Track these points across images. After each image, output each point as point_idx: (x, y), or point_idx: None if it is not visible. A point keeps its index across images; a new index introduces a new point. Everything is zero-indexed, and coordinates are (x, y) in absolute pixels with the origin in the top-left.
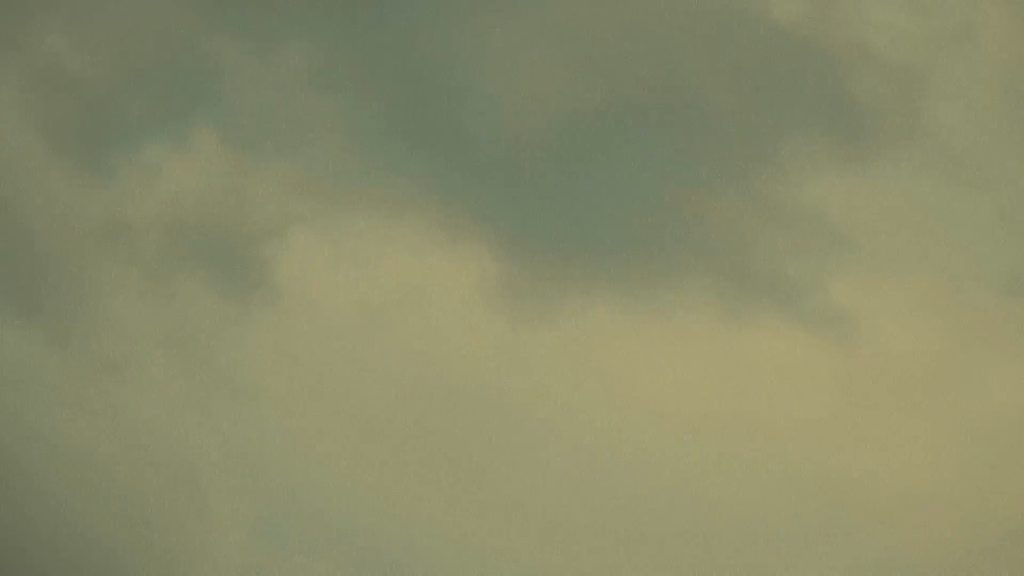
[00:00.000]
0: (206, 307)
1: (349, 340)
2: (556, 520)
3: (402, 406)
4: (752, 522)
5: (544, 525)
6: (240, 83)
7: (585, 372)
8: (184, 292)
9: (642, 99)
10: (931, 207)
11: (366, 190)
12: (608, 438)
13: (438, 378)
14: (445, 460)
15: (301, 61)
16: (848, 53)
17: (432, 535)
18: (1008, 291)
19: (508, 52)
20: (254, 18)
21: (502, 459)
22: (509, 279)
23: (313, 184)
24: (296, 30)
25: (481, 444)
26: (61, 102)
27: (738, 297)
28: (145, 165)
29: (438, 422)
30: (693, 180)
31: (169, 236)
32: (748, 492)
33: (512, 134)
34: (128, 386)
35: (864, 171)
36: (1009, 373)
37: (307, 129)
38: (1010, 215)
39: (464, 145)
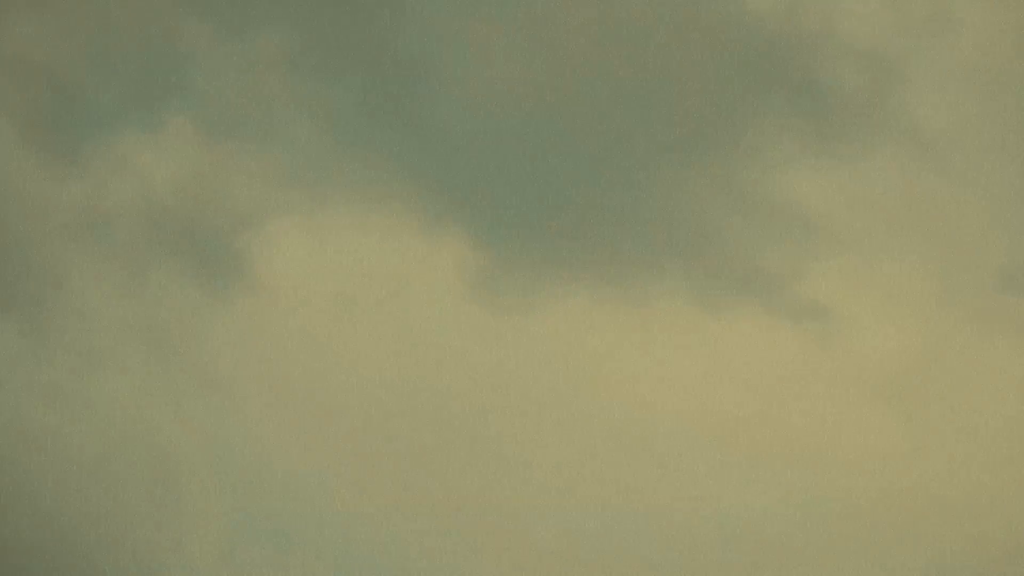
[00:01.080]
0: (182, 297)
1: (327, 329)
2: (532, 509)
3: (380, 395)
4: (725, 511)
5: (521, 514)
6: (213, 70)
7: (563, 360)
8: (159, 282)
9: (616, 87)
10: (906, 197)
11: (342, 178)
12: (586, 426)
13: (416, 366)
14: (424, 450)
15: (275, 47)
16: (821, 41)
17: (410, 527)
18: (997, 288)
19: (482, 40)
20: (226, 3)
21: (481, 448)
22: (486, 268)
23: (289, 172)
24: (269, 15)
25: (460, 433)
26: (32, 91)
27: (714, 287)
28: (118, 154)
29: (416, 411)
30: (667, 169)
31: (144, 226)
32: (722, 481)
33: (486, 122)
34: (103, 377)
35: (839, 161)
36: (998, 371)
37: (282, 116)
38: (989, 207)
39: (439, 133)
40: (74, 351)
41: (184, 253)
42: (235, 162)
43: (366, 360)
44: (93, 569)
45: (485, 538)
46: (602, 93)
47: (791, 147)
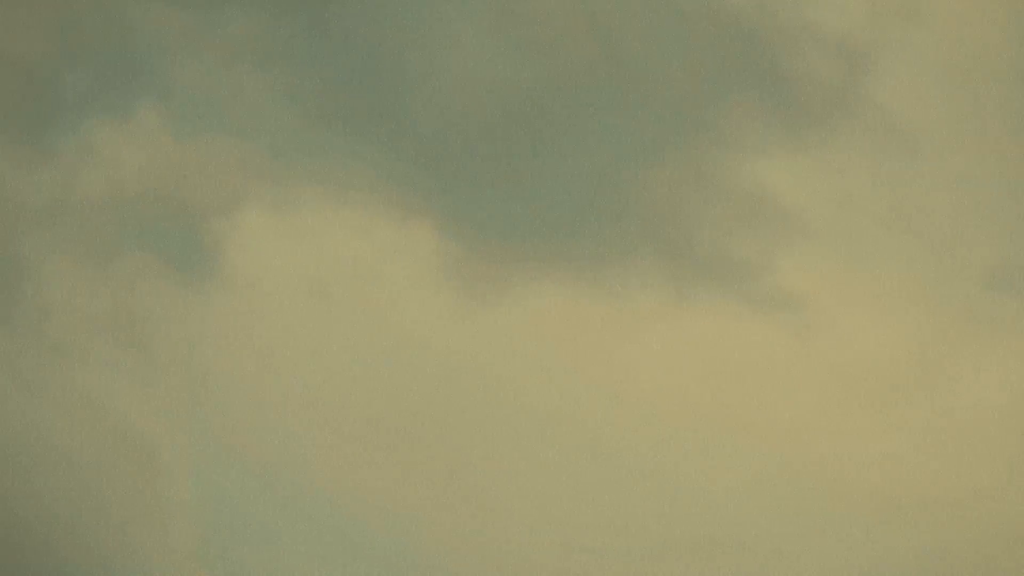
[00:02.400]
0: (153, 289)
1: (300, 320)
2: (505, 496)
3: (355, 386)
4: (700, 500)
5: (493, 501)
6: (182, 57)
7: (537, 350)
8: (130, 273)
9: (587, 79)
10: (880, 189)
11: (315, 168)
12: (560, 416)
13: (390, 357)
14: (399, 439)
15: (244, 34)
16: (793, 31)
17: (387, 511)
18: (975, 283)
19: (456, 31)
20: None
21: (454, 438)
22: (459, 260)
23: (260, 162)
24: (240, 2)
25: (435, 422)
26: None
27: (688, 278)
28: (87, 143)
29: (391, 400)
30: (638, 160)
31: (113, 216)
32: (696, 472)
33: (459, 113)
34: (76, 368)
35: (812, 151)
36: (978, 368)
37: (253, 105)
38: (962, 200)
39: (413, 124)
40: (43, 344)
41: (155, 244)
42: (206, 151)
43: (340, 350)
44: (70, 561)
45: (458, 524)
46: (575, 85)
47: (764, 137)
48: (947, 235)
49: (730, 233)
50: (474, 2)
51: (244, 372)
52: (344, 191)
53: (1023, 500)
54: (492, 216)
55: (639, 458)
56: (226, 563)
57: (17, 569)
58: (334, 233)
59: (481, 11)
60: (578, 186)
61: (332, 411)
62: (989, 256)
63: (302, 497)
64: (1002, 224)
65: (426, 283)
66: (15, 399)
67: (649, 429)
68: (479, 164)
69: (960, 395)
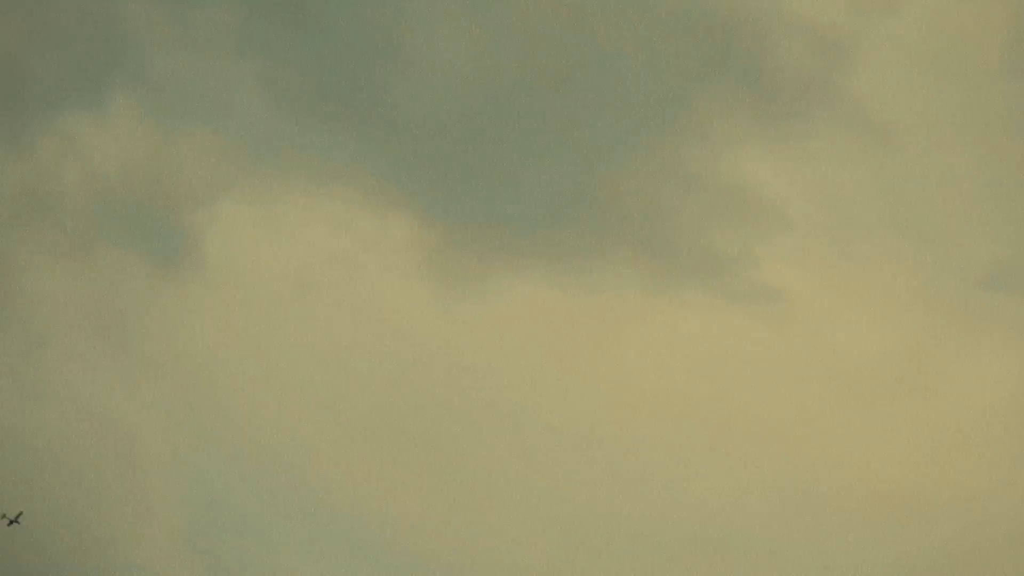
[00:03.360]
0: (132, 279)
1: (280, 310)
2: (482, 481)
3: (334, 376)
4: (677, 489)
5: (468, 488)
6: (158, 46)
7: (514, 342)
8: (109, 265)
9: (565, 72)
10: (858, 180)
11: (293, 158)
12: (537, 405)
13: (369, 347)
14: (378, 426)
15: (222, 23)
16: (769, 21)
17: (368, 498)
18: (953, 277)
19: (432, 24)
20: None
21: (434, 425)
22: (437, 251)
23: (238, 152)
24: None
25: (413, 411)
26: None
27: (666, 270)
28: (63, 134)
29: (370, 390)
30: (616, 152)
31: (91, 207)
32: (674, 461)
33: (436, 105)
34: (54, 361)
35: (788, 142)
36: (959, 364)
37: (231, 95)
38: (937, 190)
39: (389, 115)
40: (25, 335)
41: (135, 236)
42: (184, 141)
43: (321, 341)
44: (53, 551)
45: (433, 507)
46: (554, 78)
47: (742, 130)
48: (930, 229)
49: (709, 226)
50: None
51: (226, 363)
52: (323, 183)
53: (1014, 499)
54: (470, 208)
55: (617, 448)
56: (210, 554)
57: None
58: (314, 225)
59: (460, 5)
60: (555, 179)
61: (313, 401)
62: (973, 251)
63: (285, 487)
64: (986, 218)
65: (405, 274)
66: None
67: (628, 420)
68: (458, 156)
69: (945, 392)
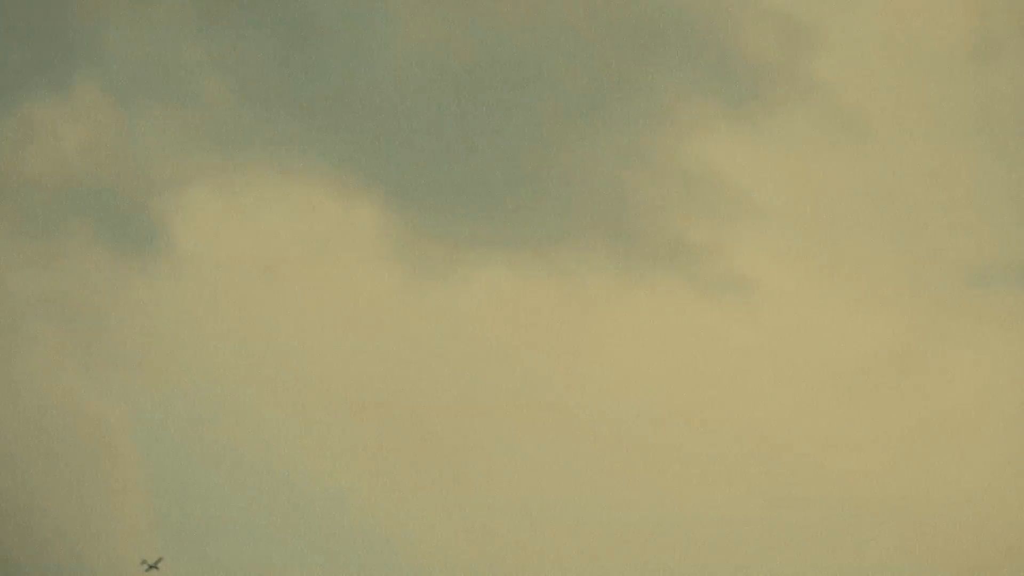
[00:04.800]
0: (98, 266)
1: (247, 297)
2: (446, 464)
3: (302, 362)
4: (644, 480)
5: (434, 469)
6: (122, 31)
7: (482, 330)
8: (74, 252)
9: (528, 58)
10: (824, 168)
11: (259, 143)
12: (505, 391)
13: (337, 334)
14: (347, 412)
15: (184, 5)
16: (736, 6)
17: (337, 483)
18: (917, 267)
19: (399, 9)
20: None
21: (402, 409)
22: (403, 238)
23: (205, 137)
24: None
25: (383, 397)
26: None
27: (635, 257)
28: (26, 119)
29: (339, 376)
30: (579, 137)
31: (56, 194)
32: (645, 451)
33: (403, 91)
34: (20, 350)
35: (755, 130)
36: (933, 357)
37: (194, 77)
38: (903, 176)
39: (357, 98)
40: None
41: (99, 222)
42: (149, 126)
43: (289, 327)
44: (19, 540)
45: (401, 490)
46: (515, 63)
47: (707, 115)
48: (907, 220)
49: (675, 212)
50: None
51: (195, 351)
52: (291, 169)
53: (1005, 498)
54: (436, 195)
55: (585, 435)
56: (183, 543)
57: None
58: (280, 210)
59: None
60: (521, 167)
61: (282, 387)
62: (948, 241)
63: (256, 474)
64: (957, 206)
65: (372, 261)
66: None
67: (598, 408)
68: (423, 143)
69: (932, 389)
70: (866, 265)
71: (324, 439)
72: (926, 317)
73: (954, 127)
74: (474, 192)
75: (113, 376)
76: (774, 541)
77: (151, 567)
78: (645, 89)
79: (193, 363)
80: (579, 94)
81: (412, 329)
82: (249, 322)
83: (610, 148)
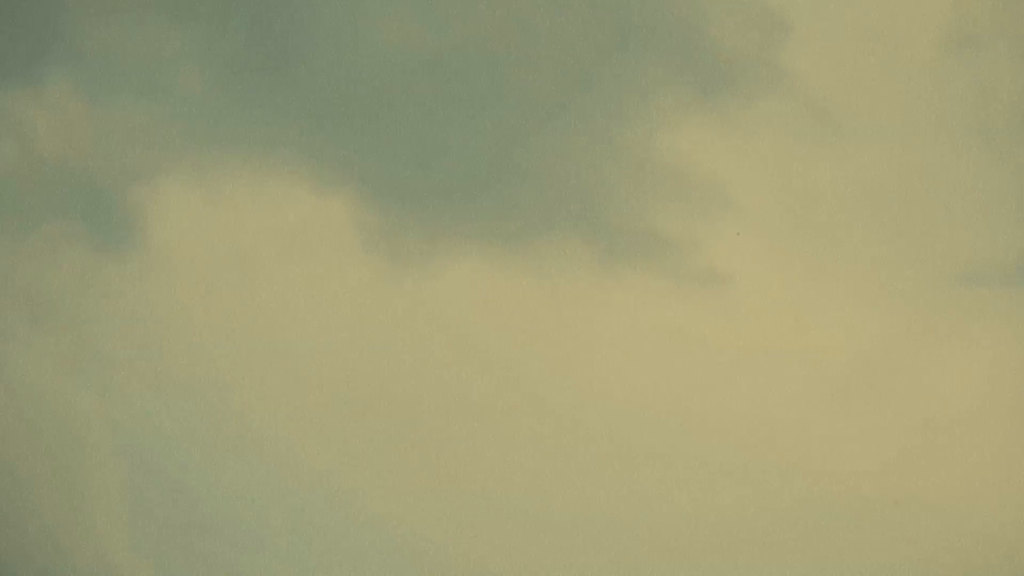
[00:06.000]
0: (72, 260)
1: (222, 290)
2: (425, 464)
3: (277, 356)
4: (619, 477)
5: (412, 460)
6: (92, 18)
7: (457, 325)
8: (47, 245)
9: (500, 48)
10: (798, 161)
11: (232, 134)
12: (481, 386)
13: (312, 328)
14: (323, 407)
15: None
16: None
17: (316, 478)
18: (904, 262)
19: (371, 2)
20: None
21: (378, 407)
22: (377, 231)
23: (177, 128)
24: None
25: (357, 392)
26: None
27: (610, 249)
28: None
29: (314, 371)
30: (551, 129)
31: (28, 186)
32: (618, 448)
33: (376, 81)
34: None
35: (727, 122)
36: (907, 355)
37: (167, 66)
38: (875, 167)
39: (330, 88)
40: None
41: (72, 215)
42: (121, 117)
43: (264, 321)
44: (2, 540)
45: (381, 481)
46: (488, 54)
47: (680, 107)
48: (880, 210)
49: (650, 205)
50: None
51: (169, 345)
52: (263, 159)
53: (999, 499)
54: (410, 186)
55: (560, 431)
56: (159, 546)
57: None
58: (255, 202)
59: None
60: (494, 157)
61: (257, 383)
62: (934, 236)
63: (235, 474)
64: (939, 199)
65: (346, 254)
66: None
67: (576, 401)
68: (397, 134)
69: (921, 390)
70: (848, 260)
71: (304, 432)
72: (913, 314)
73: (933, 117)
74: (449, 184)
75: (86, 368)
76: (757, 538)
77: None
78: (617, 80)
79: (168, 355)
80: (552, 86)
81: (388, 320)
82: (226, 315)
83: (582, 139)
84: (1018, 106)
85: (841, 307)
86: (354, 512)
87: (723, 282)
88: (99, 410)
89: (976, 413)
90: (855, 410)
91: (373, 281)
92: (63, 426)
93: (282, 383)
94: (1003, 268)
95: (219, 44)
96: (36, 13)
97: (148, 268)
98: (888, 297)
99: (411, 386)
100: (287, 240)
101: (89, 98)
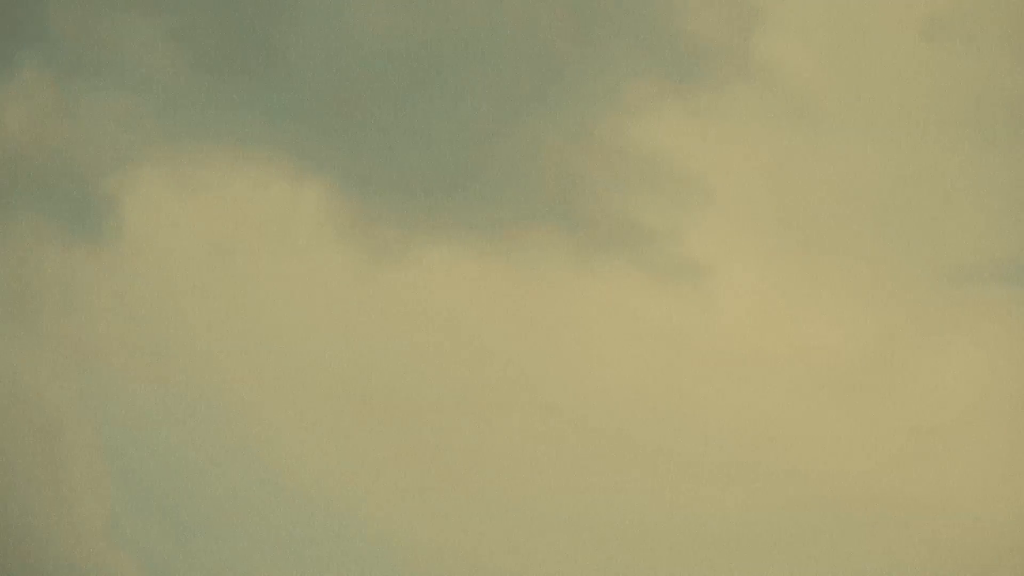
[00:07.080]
0: (45, 250)
1: (198, 279)
2: (399, 450)
3: (254, 346)
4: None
5: (390, 451)
6: (65, 7)
7: (434, 309)
8: (20, 235)
9: (478, 36)
10: (774, 152)
11: (207, 122)
12: (456, 375)
13: (289, 317)
14: (300, 398)
15: None
16: None
17: (297, 471)
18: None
19: None
20: None
21: (355, 395)
22: (353, 220)
23: (151, 115)
24: None
25: (332, 380)
26: None
27: (587, 240)
28: None
29: (291, 361)
30: (525, 120)
31: (0, 177)
32: (596, 437)
33: (352, 70)
34: None
35: (702, 113)
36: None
37: (140, 53)
38: (854, 158)
39: (304, 76)
40: None
41: (46, 204)
42: (94, 105)
43: (239, 309)
44: None
45: (361, 474)
46: (464, 45)
47: (648, 92)
48: (857, 202)
49: (625, 195)
50: None
51: (145, 336)
52: (238, 148)
53: (993, 499)
54: (384, 177)
55: (538, 420)
56: (135, 540)
57: None
58: (231, 192)
59: None
60: (470, 148)
61: (234, 373)
62: (915, 231)
63: (210, 466)
64: (912, 190)
65: (322, 244)
66: None
67: (551, 394)
68: (372, 125)
69: (914, 389)
70: (827, 250)
71: (282, 426)
72: (898, 311)
73: (914, 106)
74: (425, 175)
75: (62, 363)
76: (742, 537)
77: None
78: (591, 70)
79: (146, 348)
80: (528, 78)
81: (364, 310)
82: (201, 305)
83: (559, 130)
84: (1006, 96)
85: (820, 299)
86: (325, 499)
87: (699, 271)
88: (76, 401)
89: (974, 412)
90: (834, 403)
91: (349, 271)
92: (39, 421)
93: (258, 372)
94: (998, 265)
95: (194, 33)
96: (7, 3)
97: (123, 259)
98: (869, 288)
99: (386, 375)
100: (263, 230)
101: (61, 86)
